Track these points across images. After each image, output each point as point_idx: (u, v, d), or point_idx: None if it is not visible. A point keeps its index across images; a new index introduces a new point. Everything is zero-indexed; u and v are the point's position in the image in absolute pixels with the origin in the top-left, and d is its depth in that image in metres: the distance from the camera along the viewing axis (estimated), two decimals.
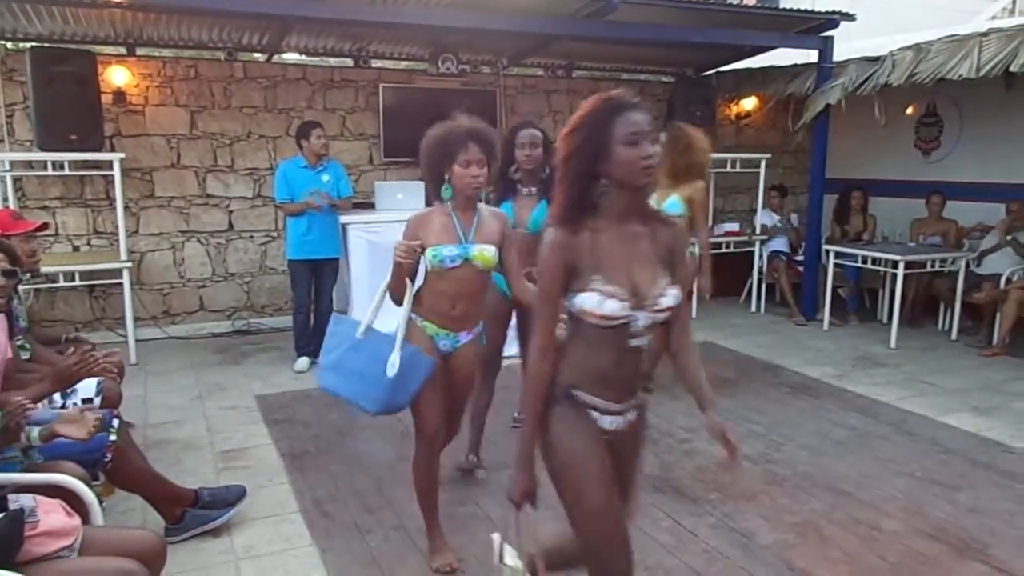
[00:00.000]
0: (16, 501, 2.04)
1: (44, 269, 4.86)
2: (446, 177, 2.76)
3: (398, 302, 2.84)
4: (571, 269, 1.87)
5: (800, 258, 7.64)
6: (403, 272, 2.76)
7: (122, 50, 6.44)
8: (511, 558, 2.09)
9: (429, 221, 2.82)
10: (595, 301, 1.83)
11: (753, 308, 7.79)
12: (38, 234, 3.82)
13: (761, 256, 7.72)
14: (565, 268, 1.87)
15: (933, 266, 6.58)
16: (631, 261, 1.89)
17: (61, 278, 5.60)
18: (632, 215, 1.91)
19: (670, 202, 4.49)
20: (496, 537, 2.20)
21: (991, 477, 3.88)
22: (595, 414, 1.96)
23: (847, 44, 6.95)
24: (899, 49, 6.24)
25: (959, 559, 3.10)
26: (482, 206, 2.91)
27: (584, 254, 1.86)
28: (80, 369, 2.59)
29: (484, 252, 2.79)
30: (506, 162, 3.67)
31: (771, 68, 7.65)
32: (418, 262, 2.80)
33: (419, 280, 2.85)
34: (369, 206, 6.41)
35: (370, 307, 2.89)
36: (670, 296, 1.91)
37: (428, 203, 6.18)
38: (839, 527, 3.35)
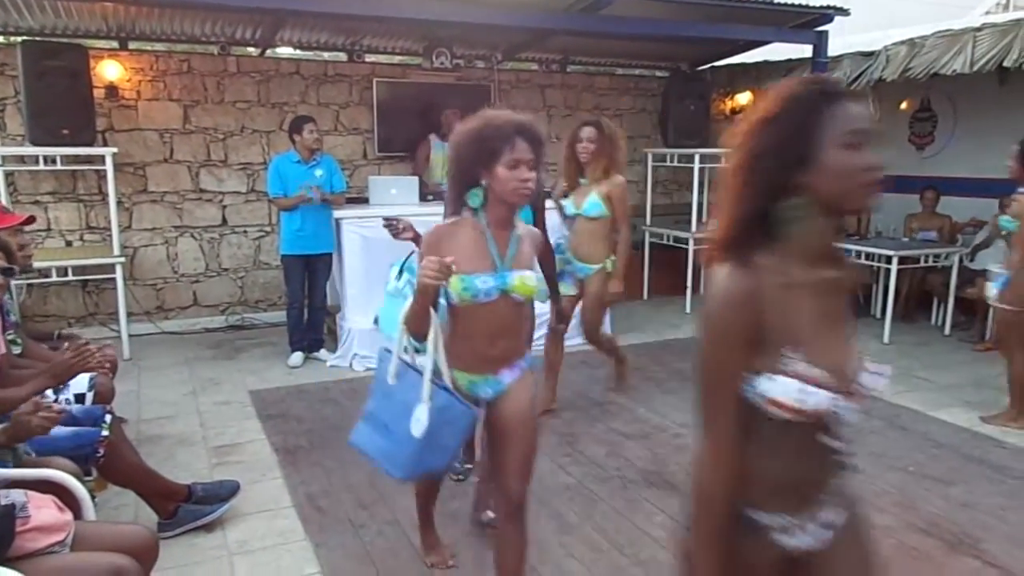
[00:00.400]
0: (7, 497, 2.03)
1: (37, 264, 4.85)
2: (482, 183, 2.21)
3: (421, 339, 2.23)
4: (752, 341, 1.29)
5: None
6: (428, 299, 2.14)
7: (114, 44, 6.42)
8: None
9: (455, 238, 2.23)
10: (794, 390, 1.28)
11: None
12: (26, 228, 3.80)
13: None
14: (749, 334, 1.29)
15: (926, 261, 6.59)
16: (831, 325, 1.34)
17: (54, 273, 5.59)
18: (826, 253, 1.35)
19: (591, 202, 4.33)
20: None
21: (983, 472, 3.90)
22: (775, 534, 1.41)
23: (841, 39, 6.94)
24: (893, 44, 6.24)
25: (951, 554, 3.11)
26: (519, 222, 2.35)
27: (771, 313, 1.28)
28: (77, 363, 2.58)
29: (525, 281, 2.26)
30: None
31: (765, 63, 7.65)
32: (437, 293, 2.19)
33: (436, 318, 2.22)
34: (363, 201, 6.38)
35: (395, 343, 2.27)
36: (872, 374, 1.38)
37: (422, 198, 6.19)
38: None
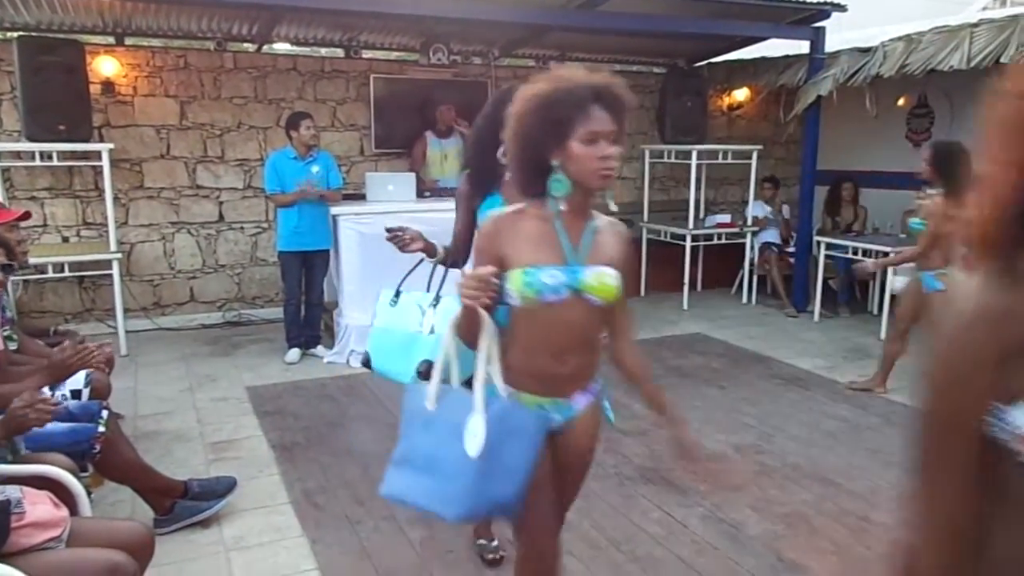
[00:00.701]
0: (2, 492, 2.03)
1: (33, 260, 4.85)
2: (553, 164, 1.78)
3: (474, 345, 1.80)
4: (1009, 364, 0.89)
5: (791, 249, 7.65)
6: (473, 316, 1.74)
7: (111, 40, 6.40)
8: None
9: (518, 225, 1.85)
10: None
11: (744, 300, 7.81)
12: (21, 223, 3.80)
13: (752, 248, 7.73)
14: (1002, 356, 0.89)
15: None
16: None
17: (50, 269, 5.58)
18: None
19: None
20: None
21: None
22: None
23: (838, 35, 6.95)
24: (890, 40, 6.24)
25: None
26: (599, 214, 1.93)
27: None
28: (76, 363, 2.58)
29: (604, 279, 1.84)
30: (491, 143, 2.40)
31: (763, 59, 7.65)
32: (498, 294, 1.76)
33: (490, 324, 1.77)
34: (360, 197, 6.38)
35: (438, 360, 1.85)
36: None
37: (419, 195, 6.19)
38: (828, 518, 3.36)
